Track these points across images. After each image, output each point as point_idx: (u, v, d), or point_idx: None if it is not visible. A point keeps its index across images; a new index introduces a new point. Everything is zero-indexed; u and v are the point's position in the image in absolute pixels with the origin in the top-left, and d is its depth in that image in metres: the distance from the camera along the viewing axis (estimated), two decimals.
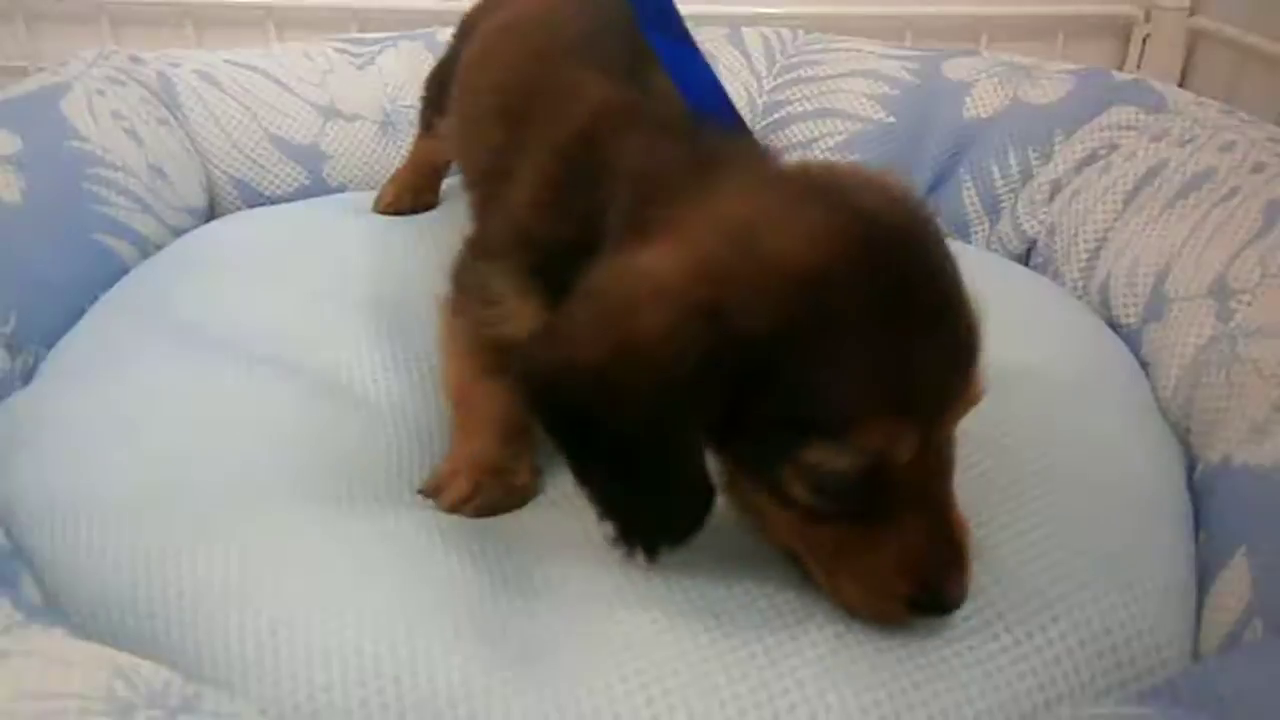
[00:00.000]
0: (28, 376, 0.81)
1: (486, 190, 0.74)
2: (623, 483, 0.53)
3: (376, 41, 1.33)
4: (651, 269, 0.50)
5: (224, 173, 1.16)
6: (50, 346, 0.84)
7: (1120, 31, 1.62)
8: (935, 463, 0.52)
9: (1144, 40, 1.60)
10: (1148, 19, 1.59)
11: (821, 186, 0.53)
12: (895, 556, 0.52)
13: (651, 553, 0.55)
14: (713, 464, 0.54)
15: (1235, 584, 0.58)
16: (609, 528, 0.54)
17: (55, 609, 0.56)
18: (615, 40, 0.70)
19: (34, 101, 0.99)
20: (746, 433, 0.51)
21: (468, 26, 1.03)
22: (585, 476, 0.54)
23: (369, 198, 1.14)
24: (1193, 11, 1.56)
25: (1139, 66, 1.61)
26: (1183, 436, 0.77)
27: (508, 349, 0.68)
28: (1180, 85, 1.58)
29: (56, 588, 0.58)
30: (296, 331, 0.82)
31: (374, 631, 0.53)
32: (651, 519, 0.54)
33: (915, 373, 0.49)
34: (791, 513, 0.53)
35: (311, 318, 0.84)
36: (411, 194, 1.12)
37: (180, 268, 0.96)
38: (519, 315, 0.65)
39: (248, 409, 0.71)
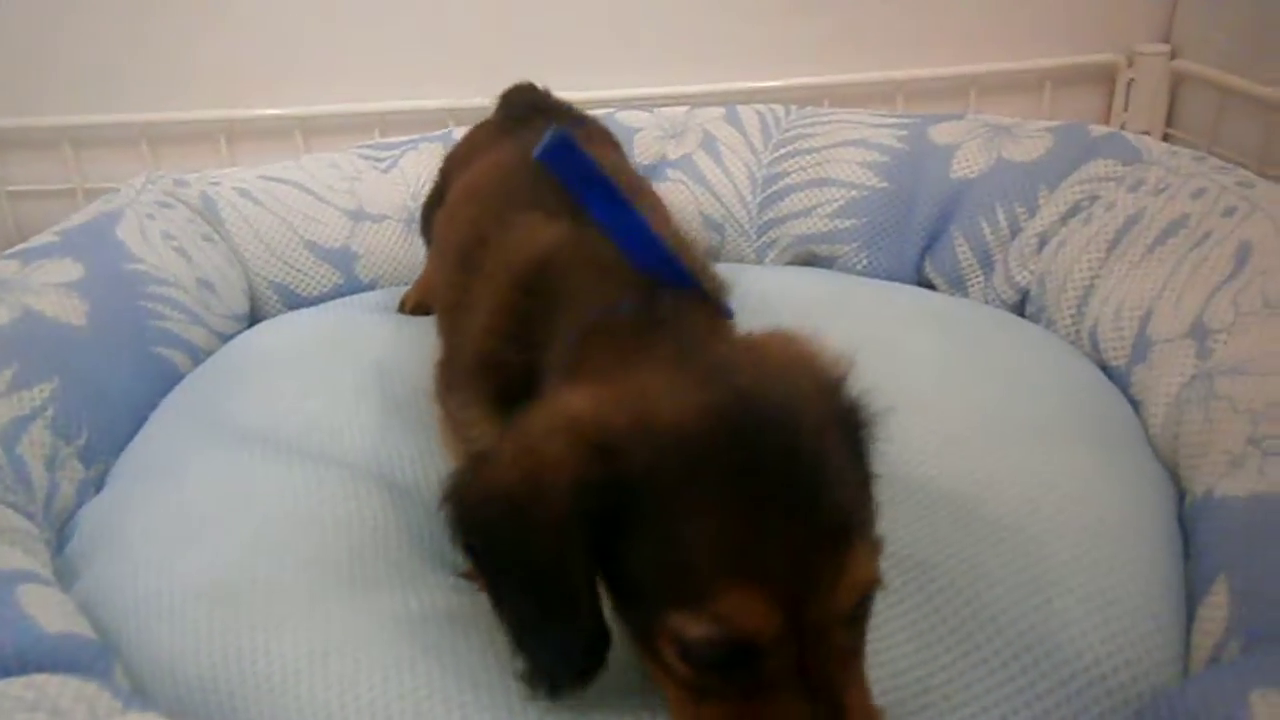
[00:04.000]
0: (100, 484, 0.89)
1: (450, 323, 0.79)
2: (529, 613, 0.55)
3: (398, 145, 1.42)
4: (569, 405, 0.54)
5: (264, 279, 1.24)
6: (118, 454, 0.92)
7: (1105, 78, 1.68)
8: (821, 647, 0.49)
9: (1129, 85, 1.67)
10: (1130, 64, 1.65)
11: (722, 367, 0.55)
12: None
13: (554, 689, 0.56)
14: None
15: (1216, 609, 0.62)
16: (518, 661, 0.56)
17: (143, 694, 0.63)
18: (559, 193, 0.73)
19: (92, 229, 1.08)
20: (629, 588, 0.52)
21: (446, 172, 1.11)
22: (499, 604, 0.56)
23: (398, 292, 1.22)
24: (1174, 55, 1.62)
25: (1125, 109, 1.67)
26: (1173, 471, 0.81)
27: None
28: (1167, 126, 1.64)
29: (142, 676, 0.64)
30: (339, 427, 0.89)
31: (442, 703, 0.59)
32: (552, 652, 0.55)
33: (771, 546, 0.48)
34: (676, 682, 0.52)
35: (352, 415, 0.91)
36: (430, 297, 1.20)
37: (229, 374, 1.03)
38: (486, 437, 0.69)
39: (301, 502, 0.77)
